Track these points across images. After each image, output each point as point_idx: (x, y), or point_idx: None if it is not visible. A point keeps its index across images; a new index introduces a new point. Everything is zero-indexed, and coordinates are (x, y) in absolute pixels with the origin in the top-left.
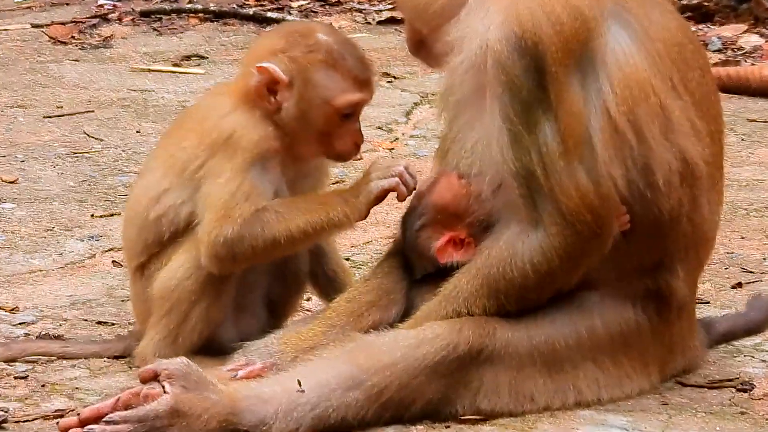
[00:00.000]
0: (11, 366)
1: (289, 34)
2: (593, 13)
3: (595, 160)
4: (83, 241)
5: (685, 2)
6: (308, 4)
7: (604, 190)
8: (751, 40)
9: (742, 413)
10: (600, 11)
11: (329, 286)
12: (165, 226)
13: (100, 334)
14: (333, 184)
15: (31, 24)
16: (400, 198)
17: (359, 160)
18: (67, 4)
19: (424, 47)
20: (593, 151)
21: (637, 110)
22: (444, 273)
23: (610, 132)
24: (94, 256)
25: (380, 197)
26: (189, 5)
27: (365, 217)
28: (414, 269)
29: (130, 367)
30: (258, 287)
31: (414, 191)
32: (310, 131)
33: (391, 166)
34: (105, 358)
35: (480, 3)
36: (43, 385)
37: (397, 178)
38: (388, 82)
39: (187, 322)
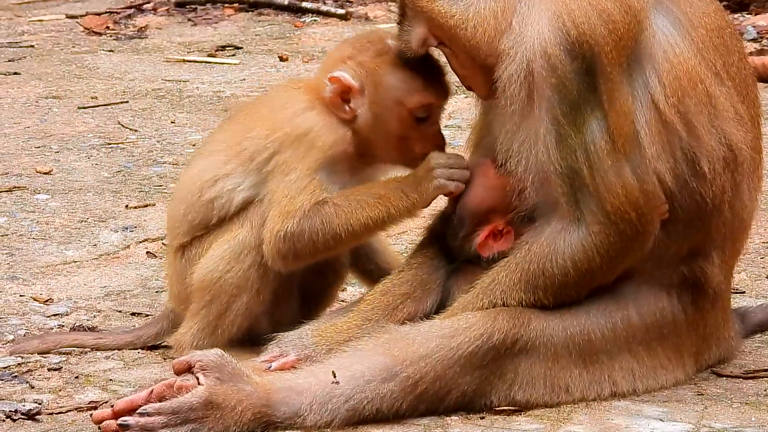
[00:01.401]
0: (45, 358)
1: (357, 40)
2: (640, 5)
3: (643, 156)
4: (117, 232)
5: None
6: None
7: (650, 187)
8: None
9: None
10: (645, 1)
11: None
12: (215, 210)
13: (134, 325)
14: None
15: (65, 14)
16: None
17: None
18: None
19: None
20: (641, 147)
21: (687, 100)
22: (482, 263)
23: (658, 126)
24: (128, 247)
25: (447, 191)
26: None
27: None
28: (456, 258)
29: (164, 359)
30: (296, 280)
31: None
32: (386, 136)
33: (454, 164)
34: (138, 350)
35: (530, 9)
36: (76, 377)
37: (462, 183)
38: None
39: (227, 314)
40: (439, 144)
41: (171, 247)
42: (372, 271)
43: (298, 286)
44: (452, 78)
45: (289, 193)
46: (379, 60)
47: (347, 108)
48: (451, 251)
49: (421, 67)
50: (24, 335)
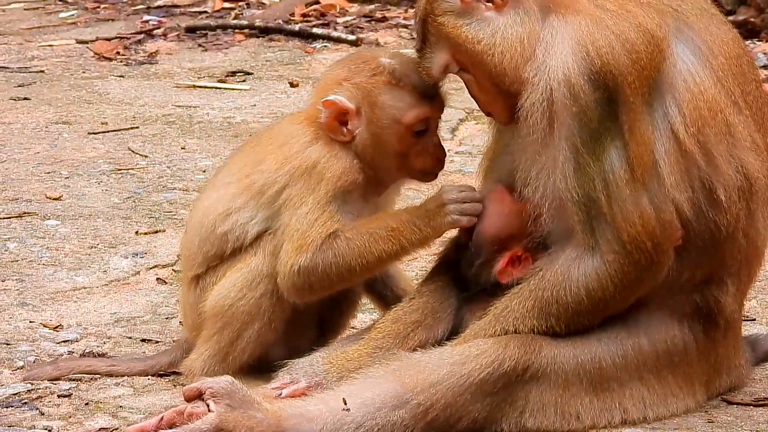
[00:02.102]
0: (55, 384)
1: (352, 62)
2: (662, 33)
3: (661, 186)
4: (127, 258)
5: (730, 18)
6: (354, 20)
7: (667, 217)
8: None
9: None
10: (666, 29)
11: None
12: (230, 242)
13: (144, 352)
14: None
15: (76, 40)
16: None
17: None
18: (112, 20)
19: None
20: (659, 177)
21: (706, 130)
22: (495, 290)
23: (677, 155)
24: (138, 273)
25: (459, 225)
26: (234, 21)
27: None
28: (469, 287)
29: (175, 385)
30: (310, 308)
31: None
32: (387, 155)
33: (466, 197)
34: (149, 376)
35: (554, 37)
36: (86, 404)
37: (474, 217)
38: None
39: (238, 341)
40: (440, 155)
41: (186, 278)
42: (387, 296)
43: (312, 315)
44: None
45: (301, 226)
46: (374, 80)
47: (345, 130)
48: (464, 279)
49: (415, 81)
50: (34, 361)
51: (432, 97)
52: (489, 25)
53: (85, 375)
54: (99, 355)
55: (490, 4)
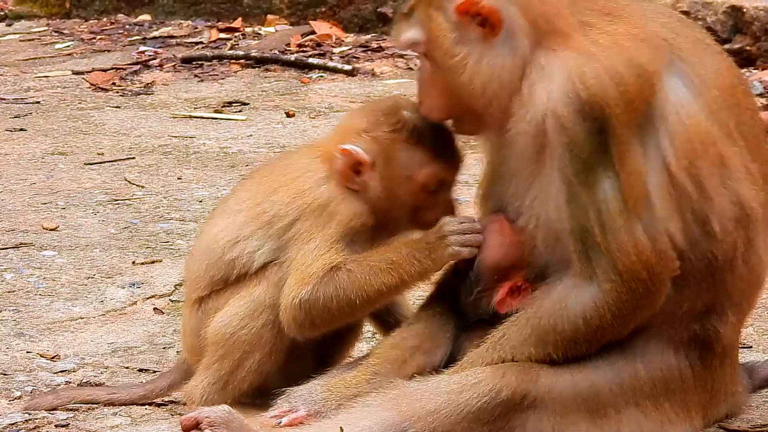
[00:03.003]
0: (52, 414)
1: (373, 112)
2: (654, 67)
3: (654, 216)
4: (124, 288)
5: (726, 47)
6: (350, 50)
7: (662, 246)
8: None
9: None
10: (659, 64)
11: None
12: (236, 268)
13: (142, 381)
14: None
15: (71, 71)
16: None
17: None
18: (108, 51)
19: (462, 119)
20: (652, 207)
21: (699, 163)
22: (494, 318)
23: (669, 187)
24: (135, 303)
25: (460, 257)
26: (230, 51)
27: None
28: (467, 316)
29: (172, 414)
30: (312, 340)
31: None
32: (399, 206)
33: (467, 229)
34: (146, 405)
35: (541, 71)
36: None
37: (475, 249)
38: None
39: (238, 370)
40: (452, 212)
41: (189, 299)
42: (390, 322)
43: (312, 344)
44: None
45: (306, 260)
46: (393, 136)
47: (358, 180)
48: (462, 307)
49: (433, 140)
50: (32, 391)
51: (449, 158)
52: (472, 48)
53: (83, 404)
54: (96, 386)
55: (480, 30)
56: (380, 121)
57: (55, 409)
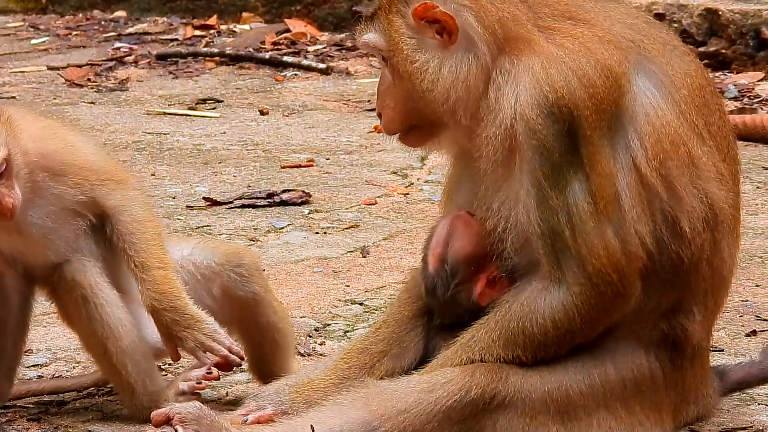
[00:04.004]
0: (24, 408)
1: None
2: (622, 69)
3: (624, 218)
4: None
5: (702, 49)
6: (325, 48)
7: (632, 248)
8: (767, 87)
9: None
10: (627, 65)
11: None
12: None
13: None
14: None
15: (47, 66)
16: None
17: (374, 204)
18: (84, 47)
19: (415, 130)
20: (622, 209)
21: (669, 163)
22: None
23: (639, 188)
24: None
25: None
26: (205, 49)
27: None
28: (444, 318)
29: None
30: None
31: (428, 247)
32: None
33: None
34: (118, 401)
35: (507, 75)
36: (56, 428)
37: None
38: None
39: None
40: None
41: None
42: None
43: None
44: None
45: None
46: None
47: None
48: (438, 306)
49: None
50: None
51: None
52: (432, 54)
53: (54, 399)
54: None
55: (438, 37)
56: None
57: (26, 396)
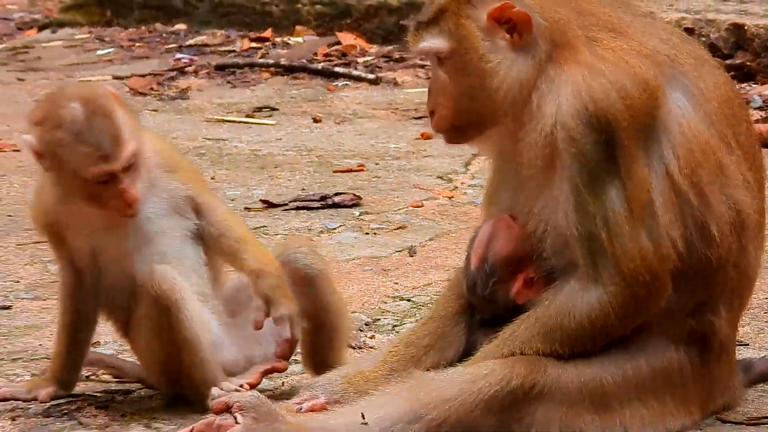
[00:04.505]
0: (93, 396)
1: (45, 104)
2: (658, 82)
3: (658, 223)
4: None
5: (728, 62)
6: (373, 60)
7: (664, 251)
8: None
9: None
10: (662, 78)
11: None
12: None
13: None
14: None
15: (112, 76)
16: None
17: (420, 207)
18: (147, 58)
19: (463, 129)
20: (655, 215)
21: (700, 171)
22: (509, 312)
23: (671, 195)
24: None
25: None
26: (261, 60)
27: None
28: (483, 314)
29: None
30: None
31: (471, 247)
32: (78, 193)
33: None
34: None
35: (551, 83)
36: (122, 414)
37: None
38: None
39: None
40: (126, 198)
41: None
42: (223, 252)
43: None
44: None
45: None
46: (54, 133)
47: (40, 169)
48: (478, 302)
49: (95, 137)
50: None
51: (112, 152)
52: (503, 55)
53: (121, 388)
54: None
55: (509, 37)
56: (48, 116)
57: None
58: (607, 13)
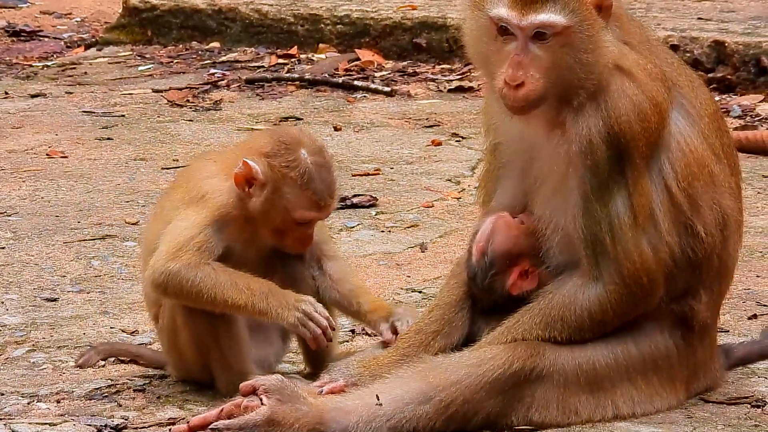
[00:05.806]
0: (131, 380)
1: (278, 142)
2: (667, 104)
3: (657, 231)
4: None
5: (711, 75)
6: (389, 74)
7: (662, 256)
8: (767, 107)
9: (756, 426)
10: (669, 99)
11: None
12: None
13: None
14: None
15: (152, 89)
16: (310, 344)
17: (431, 207)
18: (183, 73)
19: (541, 102)
20: (657, 224)
21: (695, 183)
22: (506, 303)
23: (669, 205)
24: None
25: (293, 328)
26: (287, 74)
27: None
28: (483, 303)
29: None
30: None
31: (473, 241)
32: (269, 224)
33: (316, 319)
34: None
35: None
36: (158, 397)
37: (311, 334)
38: (457, 141)
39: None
40: (306, 242)
41: (150, 315)
42: (336, 299)
43: (278, 327)
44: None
45: (179, 237)
46: (286, 171)
47: (247, 190)
48: (478, 292)
49: (318, 186)
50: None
51: (324, 204)
52: (606, 33)
53: (157, 372)
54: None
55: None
56: (280, 153)
57: (104, 359)
58: (638, 33)
